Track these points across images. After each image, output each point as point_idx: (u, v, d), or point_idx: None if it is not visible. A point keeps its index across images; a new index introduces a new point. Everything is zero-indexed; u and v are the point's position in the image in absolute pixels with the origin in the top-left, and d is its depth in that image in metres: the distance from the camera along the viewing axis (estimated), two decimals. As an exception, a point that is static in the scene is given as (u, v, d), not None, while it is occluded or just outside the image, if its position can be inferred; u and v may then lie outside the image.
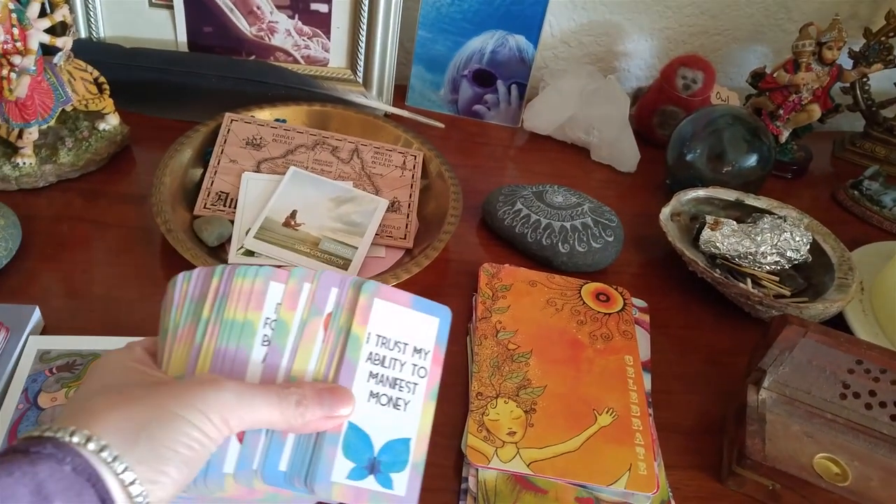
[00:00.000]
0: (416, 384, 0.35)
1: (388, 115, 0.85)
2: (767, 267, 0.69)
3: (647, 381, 0.59)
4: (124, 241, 0.64)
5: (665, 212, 0.73)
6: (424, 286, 0.65)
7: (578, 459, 0.50)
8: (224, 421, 0.29)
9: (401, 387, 0.35)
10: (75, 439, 0.26)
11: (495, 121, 0.93)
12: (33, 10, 0.61)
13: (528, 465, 0.49)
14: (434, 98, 0.92)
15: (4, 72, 0.60)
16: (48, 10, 0.63)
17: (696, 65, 0.90)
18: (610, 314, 0.63)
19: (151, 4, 0.80)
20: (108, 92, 0.70)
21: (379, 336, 0.34)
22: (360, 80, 0.86)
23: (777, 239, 0.68)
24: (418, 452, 0.34)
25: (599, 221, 0.70)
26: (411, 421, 0.34)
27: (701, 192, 0.76)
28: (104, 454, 0.26)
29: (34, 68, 0.62)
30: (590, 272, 0.70)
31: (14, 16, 0.60)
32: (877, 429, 0.53)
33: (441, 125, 0.88)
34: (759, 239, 0.68)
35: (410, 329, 0.36)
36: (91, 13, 0.78)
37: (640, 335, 0.63)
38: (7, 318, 0.51)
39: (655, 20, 0.99)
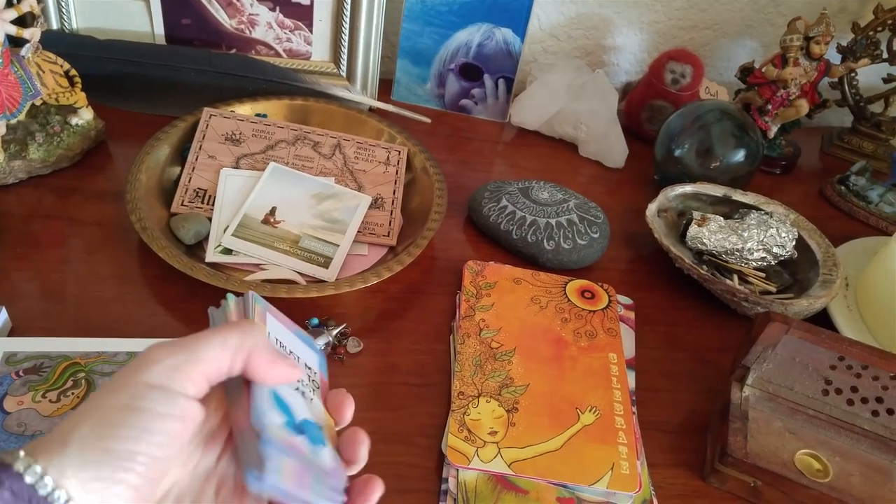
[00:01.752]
0: (315, 389, 0.34)
1: (372, 110, 0.83)
2: (754, 263, 0.68)
3: (631, 378, 0.58)
4: (99, 239, 0.63)
5: (652, 208, 0.72)
6: (408, 284, 0.64)
7: (560, 459, 0.49)
8: (169, 387, 0.27)
9: (303, 385, 0.34)
10: (18, 467, 0.25)
11: (482, 115, 0.92)
12: None
13: (509, 466, 0.48)
14: (420, 92, 0.91)
15: (-29, 65, 0.59)
16: (14, 1, 0.61)
17: (685, 59, 0.89)
18: (594, 311, 0.62)
19: (128, -5, 0.78)
20: (79, 85, 0.68)
21: (277, 339, 0.34)
22: (344, 74, 0.85)
23: (763, 235, 0.67)
24: (333, 443, 0.33)
25: (585, 218, 0.69)
26: (320, 414, 0.33)
27: (688, 188, 0.75)
28: (44, 481, 0.25)
29: (0, 60, 0.60)
30: (576, 269, 0.69)
31: (-19, 6, 0.58)
32: (858, 424, 0.52)
33: (427, 120, 0.87)
34: (745, 235, 0.68)
35: (299, 348, 0.35)
36: (63, 4, 0.76)
37: (625, 332, 0.62)
38: (-27, 318, 0.49)
39: (645, 14, 0.98)
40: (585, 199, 0.72)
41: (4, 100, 0.61)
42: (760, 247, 0.67)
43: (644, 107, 0.92)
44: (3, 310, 0.52)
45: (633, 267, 0.73)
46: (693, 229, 0.70)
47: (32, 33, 0.62)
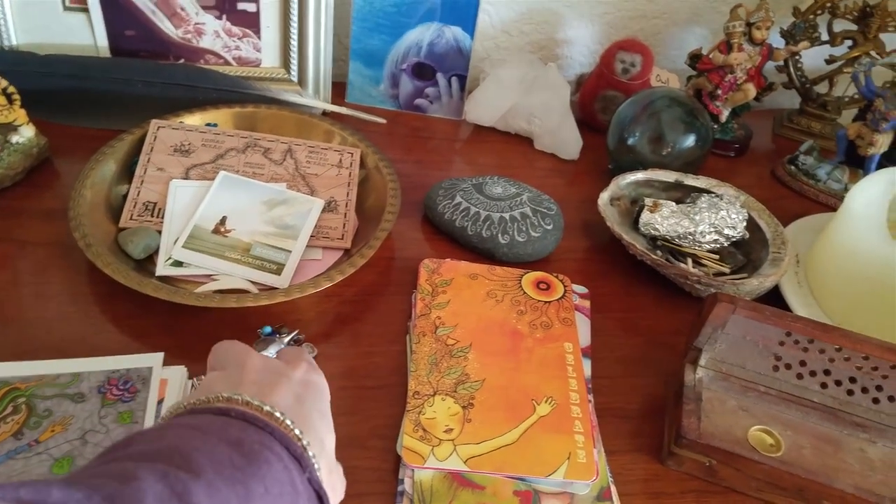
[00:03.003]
0: None
1: (325, 114, 0.83)
2: (707, 246, 0.69)
3: (587, 367, 0.58)
4: (46, 259, 0.62)
5: (604, 197, 0.73)
6: (364, 286, 0.64)
7: (516, 452, 0.49)
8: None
9: None
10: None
11: (438, 114, 0.92)
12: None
13: (464, 462, 0.48)
14: (374, 94, 0.91)
15: None
16: (-51, 21, 0.60)
17: (634, 48, 0.90)
18: (549, 302, 0.63)
19: (66, 8, 0.76)
20: (18, 102, 0.67)
21: None
22: (296, 79, 0.84)
23: (714, 217, 0.68)
24: None
25: (538, 210, 0.69)
26: None
27: (640, 175, 0.76)
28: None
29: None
30: (531, 262, 0.69)
31: None
32: (807, 398, 0.53)
33: (382, 120, 0.87)
34: (697, 218, 0.69)
35: None
36: (2, 18, 0.74)
37: (581, 321, 0.62)
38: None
39: (594, 6, 0.99)
40: (539, 191, 0.73)
41: (-61, 121, 0.60)
42: (712, 229, 0.68)
43: (597, 97, 0.93)
44: (-56, 336, 0.51)
45: (589, 256, 0.74)
46: (645, 216, 0.71)
47: (-35, 52, 0.61)
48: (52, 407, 0.47)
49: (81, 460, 0.44)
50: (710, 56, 0.87)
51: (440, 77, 0.89)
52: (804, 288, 0.67)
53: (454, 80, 0.90)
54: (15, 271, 0.60)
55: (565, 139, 0.88)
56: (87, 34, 0.78)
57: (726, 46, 0.86)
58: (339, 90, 0.90)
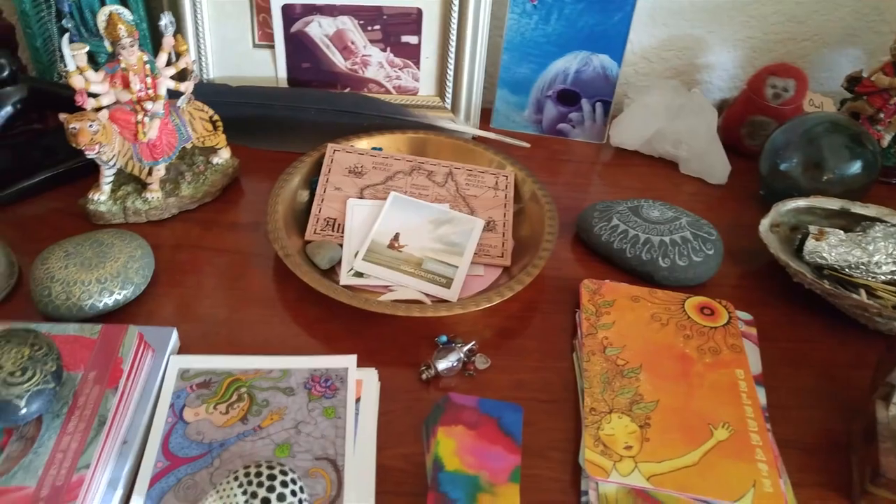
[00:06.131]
0: None
1: (475, 138, 0.87)
2: (882, 277, 0.66)
3: (761, 395, 0.57)
4: (239, 266, 0.69)
5: (764, 223, 0.72)
6: (525, 302, 0.67)
7: (698, 474, 0.50)
8: None
9: None
10: None
11: (580, 138, 0.94)
12: (162, 59, 0.67)
13: (647, 479, 0.49)
14: (518, 119, 0.94)
15: (139, 116, 0.66)
16: (173, 59, 0.69)
17: (787, 73, 0.88)
18: (716, 328, 0.63)
19: (255, 45, 0.85)
20: (221, 128, 0.75)
21: None
22: (449, 107, 0.89)
23: (892, 248, 0.66)
24: None
25: (699, 235, 0.69)
26: None
27: (801, 202, 0.74)
28: None
29: (163, 112, 0.68)
30: (690, 286, 0.69)
31: (147, 66, 0.66)
32: None
33: (526, 144, 0.90)
34: (871, 248, 0.66)
35: None
36: (203, 57, 0.84)
37: (749, 349, 0.62)
38: (152, 339, 0.55)
39: (738, 30, 0.98)
40: (696, 216, 0.73)
41: (164, 145, 0.69)
42: (890, 260, 0.65)
43: (744, 123, 0.92)
44: (175, 331, 0.58)
45: (745, 283, 0.73)
46: (811, 244, 0.69)
47: (187, 87, 0.70)
48: (269, 398, 0.52)
49: (297, 447, 0.49)
50: (873, 78, 0.84)
51: (584, 103, 0.92)
52: None
53: (598, 105, 0.92)
54: (215, 276, 0.67)
55: (712, 164, 0.87)
56: (270, 68, 0.87)
57: (892, 68, 0.83)
58: (483, 116, 0.94)
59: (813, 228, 0.71)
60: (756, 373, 0.59)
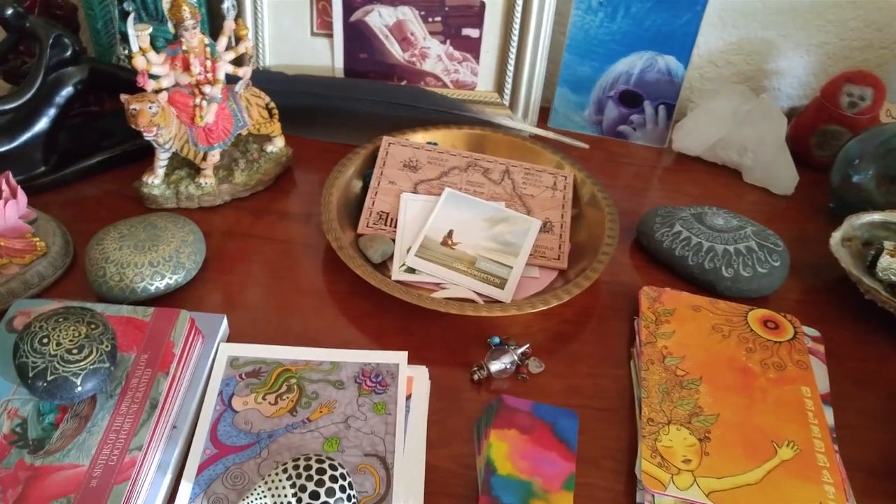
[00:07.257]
0: None
1: (532, 137, 0.85)
2: (964, 299, 0.62)
3: (829, 414, 0.54)
4: (290, 256, 0.68)
5: (836, 236, 0.68)
6: (581, 307, 0.65)
7: (761, 493, 0.47)
8: None
9: None
10: None
11: (640, 141, 0.91)
12: (222, 43, 0.67)
13: (707, 495, 0.47)
14: (577, 119, 0.92)
15: (197, 100, 0.66)
16: (233, 43, 0.69)
17: (864, 81, 0.84)
18: (780, 342, 0.60)
19: (313, 34, 0.85)
20: (276, 116, 0.75)
21: None
22: (507, 103, 0.87)
23: (977, 268, 0.62)
24: None
25: (765, 245, 0.66)
26: None
27: (876, 216, 0.70)
28: None
29: (220, 96, 0.68)
30: (753, 298, 0.66)
31: (207, 49, 0.66)
32: None
33: (585, 145, 0.87)
34: (953, 267, 0.62)
35: None
36: (260, 43, 0.84)
37: (816, 366, 0.59)
38: (202, 325, 0.55)
39: (814, 35, 0.94)
40: (763, 226, 0.70)
41: (220, 130, 0.69)
42: (974, 281, 0.61)
43: (814, 132, 0.87)
44: (225, 319, 0.57)
45: (811, 298, 0.69)
46: (885, 260, 0.66)
47: (245, 72, 0.70)
48: (318, 390, 0.51)
49: (346, 442, 0.48)
50: (958, 90, 0.79)
51: (647, 105, 0.89)
52: None
53: (661, 108, 0.89)
54: (269, 266, 0.67)
55: (779, 174, 0.84)
56: (327, 57, 0.86)
57: (981, 80, 0.78)
58: (541, 114, 0.92)
59: (888, 244, 0.67)
60: (823, 391, 0.56)
